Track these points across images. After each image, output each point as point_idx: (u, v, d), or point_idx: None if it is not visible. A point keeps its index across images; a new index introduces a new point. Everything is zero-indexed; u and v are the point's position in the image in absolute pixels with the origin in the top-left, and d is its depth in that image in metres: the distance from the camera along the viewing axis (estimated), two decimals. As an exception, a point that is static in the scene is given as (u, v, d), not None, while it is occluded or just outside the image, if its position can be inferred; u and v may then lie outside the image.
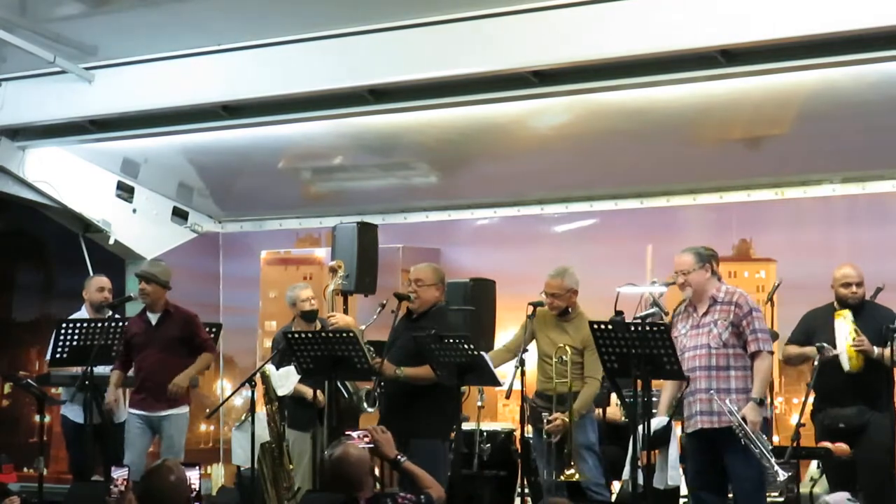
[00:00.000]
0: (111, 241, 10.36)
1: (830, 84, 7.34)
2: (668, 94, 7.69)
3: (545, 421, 7.38)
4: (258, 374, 7.68)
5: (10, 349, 12.73)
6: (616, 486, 7.90)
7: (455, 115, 8.38)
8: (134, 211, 10.45)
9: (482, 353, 6.90)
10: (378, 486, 6.40)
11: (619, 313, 6.76)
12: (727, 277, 7.21)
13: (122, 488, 5.80)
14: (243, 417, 8.88)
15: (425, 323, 7.03)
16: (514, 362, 7.46)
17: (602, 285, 7.64)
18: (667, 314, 7.20)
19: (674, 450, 7.59)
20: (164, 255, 10.43)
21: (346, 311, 8.42)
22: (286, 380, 7.92)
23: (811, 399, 7.16)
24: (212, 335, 8.63)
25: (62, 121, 9.39)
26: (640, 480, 6.40)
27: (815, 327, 7.33)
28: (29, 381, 8.07)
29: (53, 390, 8.68)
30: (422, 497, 5.23)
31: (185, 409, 8.11)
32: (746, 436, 6.16)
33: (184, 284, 8.40)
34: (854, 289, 7.25)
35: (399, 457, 5.41)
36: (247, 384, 7.71)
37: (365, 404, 7.72)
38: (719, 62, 7.07)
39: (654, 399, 6.73)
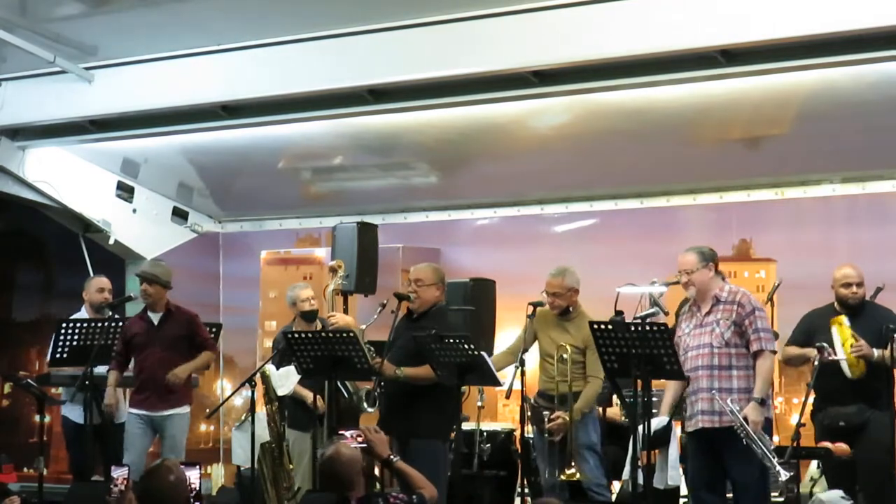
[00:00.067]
0: (111, 241, 10.36)
1: (830, 84, 7.34)
2: (668, 94, 7.69)
3: (546, 419, 7.37)
4: (258, 374, 7.68)
5: (10, 349, 12.73)
6: (616, 486, 7.90)
7: (455, 115, 8.38)
8: (134, 211, 10.45)
9: (482, 353, 6.90)
10: (378, 486, 6.40)
11: (619, 313, 6.77)
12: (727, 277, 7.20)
13: (123, 488, 5.80)
14: (243, 417, 8.88)
15: (425, 323, 7.03)
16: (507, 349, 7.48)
17: (602, 285, 7.65)
18: (667, 314, 7.21)
19: (674, 450, 7.59)
20: (164, 255, 10.43)
21: (346, 311, 8.43)
22: (286, 380, 7.92)
23: (811, 399, 7.16)
24: (212, 335, 8.63)
25: (62, 121, 9.39)
26: (640, 480, 6.40)
27: (815, 328, 7.32)
28: (29, 381, 8.07)
29: (53, 390, 8.68)
30: (414, 497, 5.24)
31: (186, 409, 8.13)
32: (748, 436, 6.16)
33: (184, 284, 8.41)
34: (854, 289, 7.25)
35: (392, 457, 5.42)
36: (247, 384, 7.71)
37: (365, 404, 7.72)
38: (719, 62, 7.08)
39: (654, 399, 6.73)
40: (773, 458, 6.13)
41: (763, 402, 6.27)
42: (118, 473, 5.95)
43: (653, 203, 9.44)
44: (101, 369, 8.07)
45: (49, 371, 8.54)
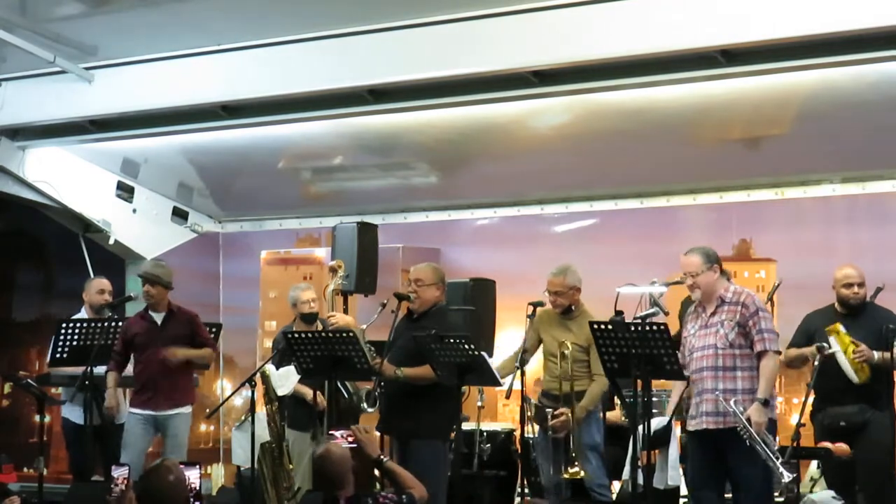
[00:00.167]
0: (111, 241, 10.36)
1: (830, 84, 7.34)
2: (668, 94, 7.69)
3: (550, 416, 7.34)
4: (258, 374, 7.68)
5: (10, 349, 12.73)
6: (616, 486, 7.90)
7: (455, 115, 8.38)
8: (134, 211, 10.45)
9: (482, 353, 6.90)
10: (378, 486, 6.40)
11: (619, 313, 6.77)
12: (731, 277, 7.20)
13: (123, 487, 5.81)
14: (243, 417, 8.88)
15: (426, 323, 7.03)
16: (513, 354, 7.47)
17: (602, 285, 7.65)
18: (667, 314, 7.21)
19: (674, 450, 7.61)
20: (164, 255, 10.43)
21: (346, 311, 8.42)
22: (286, 380, 7.92)
23: (811, 399, 7.16)
24: (212, 335, 8.63)
25: (62, 121, 9.39)
26: (640, 480, 6.40)
27: (815, 329, 7.33)
28: (29, 381, 8.08)
29: (53, 390, 8.68)
30: (404, 497, 5.25)
31: (189, 409, 8.16)
32: (751, 437, 6.14)
33: (184, 284, 8.41)
34: (856, 289, 7.26)
35: (381, 456, 5.44)
36: (247, 384, 7.71)
37: (365, 404, 7.72)
38: (719, 62, 7.07)
39: (654, 399, 6.72)
40: (777, 459, 6.12)
41: (767, 403, 6.26)
42: (118, 473, 5.96)
43: (653, 203, 9.44)
44: (101, 369, 8.07)
45: (49, 371, 8.54)
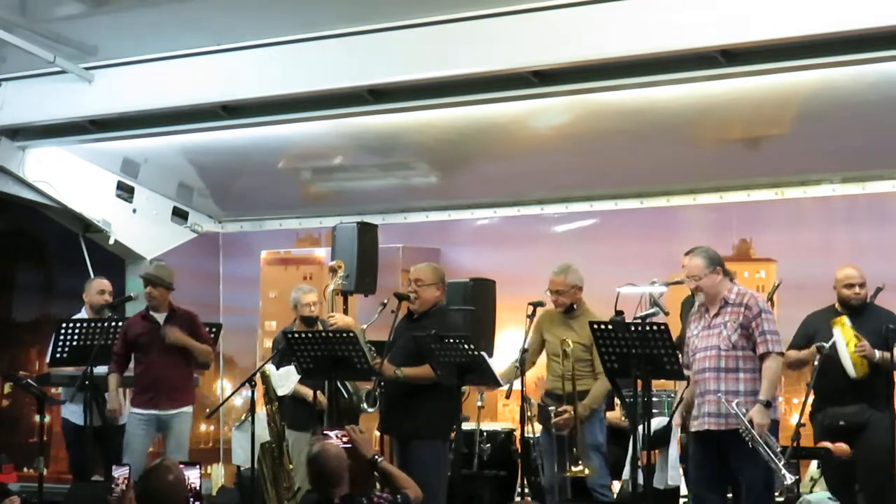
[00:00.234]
0: (111, 241, 10.36)
1: (830, 84, 7.34)
2: (668, 94, 7.69)
3: (553, 414, 7.33)
4: (258, 374, 7.69)
5: (10, 349, 12.73)
6: (616, 486, 7.90)
7: (455, 115, 8.38)
8: (134, 211, 10.45)
9: (482, 353, 6.90)
10: (378, 486, 6.40)
11: (619, 313, 6.77)
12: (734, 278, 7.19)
13: (124, 487, 5.81)
14: (243, 417, 8.89)
15: (426, 323, 7.03)
16: (514, 362, 7.46)
17: (602, 285, 7.65)
18: (667, 314, 7.21)
19: (674, 450, 7.62)
20: (164, 255, 10.44)
21: (345, 312, 8.42)
22: (286, 380, 7.93)
23: (811, 399, 7.16)
24: (212, 335, 8.64)
25: (62, 121, 9.39)
26: (640, 480, 6.40)
27: (815, 330, 7.33)
28: (29, 381, 8.09)
29: (53, 390, 8.68)
30: (398, 497, 5.26)
31: (190, 409, 8.20)
32: (753, 439, 6.13)
33: (184, 284, 8.41)
34: (857, 290, 7.26)
35: (376, 456, 5.44)
36: (247, 384, 7.72)
37: (365, 405, 7.72)
38: (719, 62, 7.07)
39: (654, 399, 6.72)
40: (780, 461, 6.11)
41: (769, 405, 6.23)
42: (119, 473, 5.96)
43: (653, 203, 9.44)
44: (100, 369, 8.07)
45: (49, 371, 8.54)
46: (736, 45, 6.97)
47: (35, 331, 12.42)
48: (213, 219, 11.10)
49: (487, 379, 7.04)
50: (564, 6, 7.22)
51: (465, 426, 8.06)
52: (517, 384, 7.35)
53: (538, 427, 7.84)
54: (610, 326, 6.37)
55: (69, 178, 10.02)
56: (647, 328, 6.26)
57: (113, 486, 5.91)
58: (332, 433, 5.60)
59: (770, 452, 6.11)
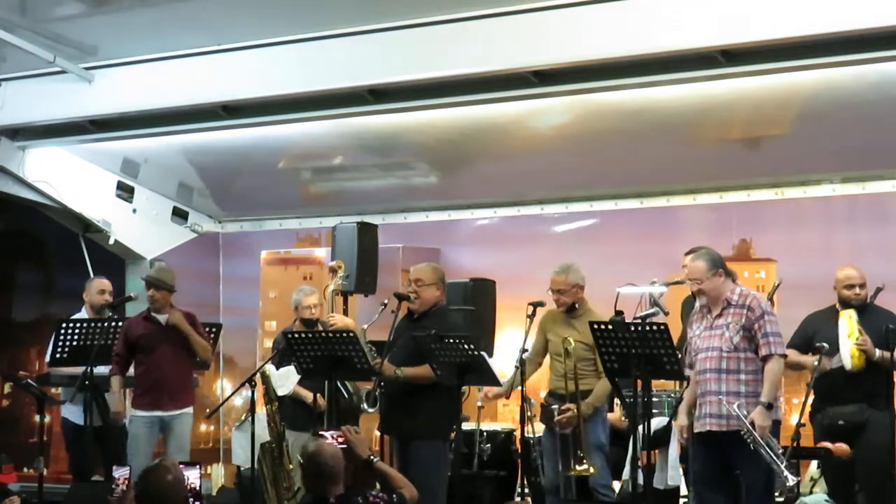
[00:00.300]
0: (111, 241, 10.36)
1: (830, 84, 7.34)
2: (668, 94, 7.68)
3: (556, 412, 7.31)
4: (258, 374, 7.69)
5: (10, 349, 12.73)
6: (616, 485, 7.90)
7: (455, 115, 8.38)
8: (134, 211, 10.46)
9: (482, 353, 6.90)
10: (378, 486, 6.40)
11: (619, 313, 6.77)
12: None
13: (125, 488, 5.81)
14: (243, 417, 8.88)
15: (426, 323, 7.03)
16: (514, 362, 7.46)
17: (602, 285, 7.65)
18: (667, 314, 7.21)
19: (674, 450, 7.62)
20: (164, 255, 10.45)
21: (345, 312, 8.42)
22: (286, 380, 7.93)
23: (811, 399, 7.16)
24: (212, 335, 8.64)
25: (62, 121, 9.39)
26: (640, 480, 6.40)
27: (815, 330, 7.34)
28: (29, 381, 8.09)
29: (53, 390, 8.68)
30: (394, 497, 5.26)
31: (191, 409, 8.23)
32: (755, 441, 6.12)
33: (184, 284, 8.41)
34: (857, 290, 7.27)
35: (371, 457, 5.45)
36: (247, 384, 7.72)
37: (365, 405, 7.72)
38: (719, 62, 7.07)
39: (654, 399, 6.71)
40: (781, 462, 6.10)
41: (770, 407, 6.23)
42: (120, 474, 5.96)
43: (653, 203, 9.44)
44: (100, 369, 8.07)
45: (49, 371, 8.54)
46: (736, 45, 6.96)
47: (35, 331, 12.41)
48: (213, 219, 11.10)
49: (487, 379, 7.04)
50: (564, 6, 7.22)
51: (465, 426, 8.06)
52: (517, 384, 7.33)
53: (538, 427, 7.84)
54: (610, 326, 6.37)
55: (69, 178, 10.02)
56: (647, 328, 6.26)
57: (113, 486, 5.91)
58: (327, 433, 5.60)
59: (772, 454, 6.11)
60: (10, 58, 8.81)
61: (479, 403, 8.20)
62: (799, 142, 8.26)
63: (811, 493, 7.40)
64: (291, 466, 7.54)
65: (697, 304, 6.62)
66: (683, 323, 7.42)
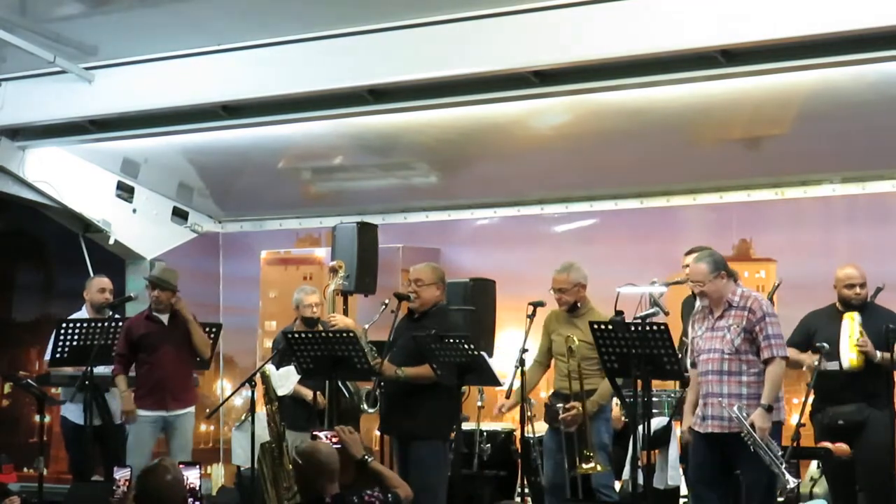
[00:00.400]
0: (111, 241, 10.36)
1: (830, 84, 7.34)
2: (668, 94, 7.68)
3: (561, 410, 7.30)
4: (258, 374, 7.69)
5: (10, 349, 12.73)
6: (616, 485, 7.90)
7: (455, 115, 8.38)
8: (134, 211, 10.46)
9: (482, 353, 6.90)
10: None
11: (619, 313, 6.77)
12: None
13: (125, 489, 5.82)
14: (243, 417, 8.89)
15: (427, 322, 7.03)
16: (514, 362, 7.45)
17: (602, 285, 7.64)
18: (667, 314, 7.20)
19: (674, 450, 7.62)
20: (164, 255, 10.45)
21: (345, 312, 8.43)
22: (286, 380, 7.93)
23: (811, 399, 7.16)
24: (212, 335, 8.64)
25: (62, 121, 9.38)
26: (640, 480, 6.40)
27: (815, 329, 7.34)
28: (29, 381, 8.08)
29: (53, 390, 8.68)
30: (389, 496, 5.27)
31: (194, 409, 8.24)
32: (755, 443, 6.13)
33: (184, 284, 8.39)
34: (858, 290, 7.28)
35: (366, 456, 5.45)
36: (247, 384, 7.72)
37: (365, 405, 7.73)
38: (719, 62, 7.07)
39: (654, 399, 6.70)
40: (781, 464, 6.10)
41: (770, 409, 6.23)
42: (121, 475, 5.96)
43: (653, 203, 9.44)
44: (100, 369, 8.07)
45: (49, 371, 8.54)
46: (736, 45, 6.96)
47: (35, 331, 12.41)
48: (213, 219, 11.11)
49: (487, 379, 7.03)
50: (564, 6, 7.21)
51: (465, 426, 8.05)
52: (517, 384, 7.33)
53: (538, 427, 7.83)
54: (610, 326, 6.37)
55: (69, 178, 10.02)
56: (647, 328, 6.26)
57: (114, 488, 5.92)
58: (321, 433, 5.61)
59: (771, 456, 6.11)
60: (10, 58, 8.81)
61: (495, 412, 8.18)
62: (799, 142, 8.26)
63: (811, 493, 7.39)
64: (291, 466, 7.53)
65: (698, 304, 6.62)
66: (684, 323, 7.43)
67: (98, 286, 8.68)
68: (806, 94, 7.61)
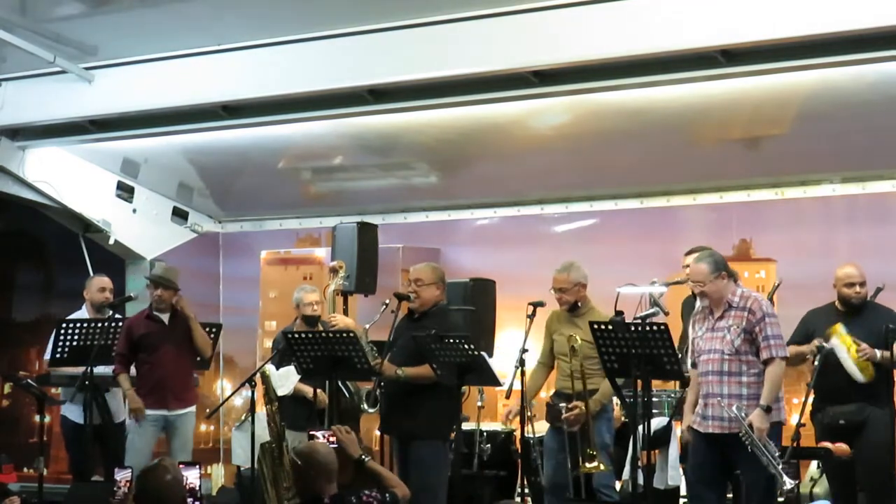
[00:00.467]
0: (111, 241, 10.36)
1: (830, 84, 7.34)
2: (668, 94, 7.68)
3: (564, 409, 7.29)
4: (258, 374, 7.69)
5: (10, 349, 12.73)
6: (616, 485, 7.90)
7: (455, 115, 8.38)
8: (134, 211, 10.46)
9: (482, 353, 6.89)
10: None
11: (619, 313, 6.77)
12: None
13: (126, 489, 5.82)
14: (243, 417, 8.89)
15: (427, 323, 7.03)
16: (514, 362, 7.45)
17: (602, 285, 7.64)
18: (667, 314, 7.20)
19: (674, 450, 7.61)
20: (164, 255, 10.45)
21: (346, 312, 8.42)
22: (286, 380, 7.93)
23: (811, 399, 7.16)
24: (212, 335, 8.65)
25: (62, 121, 9.38)
26: (641, 480, 6.40)
27: (815, 327, 7.34)
28: (29, 381, 8.08)
29: (53, 390, 8.68)
30: (387, 496, 5.28)
31: (194, 408, 8.25)
32: (753, 443, 6.13)
33: (184, 284, 8.40)
34: (857, 288, 7.28)
35: (363, 456, 5.46)
36: (247, 384, 7.72)
37: (365, 405, 7.73)
38: (719, 62, 7.07)
39: (654, 399, 6.69)
40: (779, 465, 6.09)
41: (769, 410, 6.24)
42: (121, 476, 5.97)
43: (653, 203, 9.44)
44: (100, 369, 8.07)
45: (49, 371, 8.54)
46: (736, 45, 6.96)
47: (35, 331, 12.41)
48: (213, 219, 11.11)
49: (487, 379, 7.03)
50: (564, 6, 7.21)
51: (465, 426, 8.06)
52: (517, 384, 7.33)
53: (538, 427, 7.83)
54: (610, 326, 6.37)
55: (69, 178, 10.02)
56: (647, 328, 6.26)
57: (115, 488, 5.92)
58: (318, 433, 5.61)
59: (769, 456, 6.10)
60: (10, 58, 8.81)
61: (503, 419, 8.16)
62: (799, 142, 8.26)
63: (811, 493, 7.39)
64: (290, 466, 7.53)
65: (698, 303, 6.62)
66: (684, 323, 7.43)
67: (98, 285, 8.68)
68: (805, 94, 7.61)
